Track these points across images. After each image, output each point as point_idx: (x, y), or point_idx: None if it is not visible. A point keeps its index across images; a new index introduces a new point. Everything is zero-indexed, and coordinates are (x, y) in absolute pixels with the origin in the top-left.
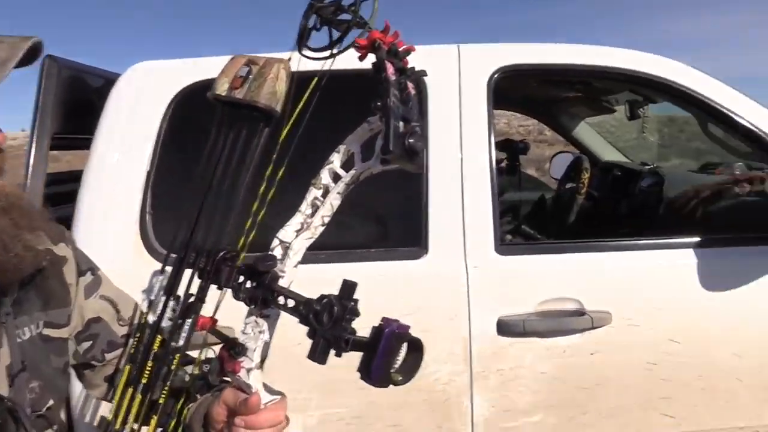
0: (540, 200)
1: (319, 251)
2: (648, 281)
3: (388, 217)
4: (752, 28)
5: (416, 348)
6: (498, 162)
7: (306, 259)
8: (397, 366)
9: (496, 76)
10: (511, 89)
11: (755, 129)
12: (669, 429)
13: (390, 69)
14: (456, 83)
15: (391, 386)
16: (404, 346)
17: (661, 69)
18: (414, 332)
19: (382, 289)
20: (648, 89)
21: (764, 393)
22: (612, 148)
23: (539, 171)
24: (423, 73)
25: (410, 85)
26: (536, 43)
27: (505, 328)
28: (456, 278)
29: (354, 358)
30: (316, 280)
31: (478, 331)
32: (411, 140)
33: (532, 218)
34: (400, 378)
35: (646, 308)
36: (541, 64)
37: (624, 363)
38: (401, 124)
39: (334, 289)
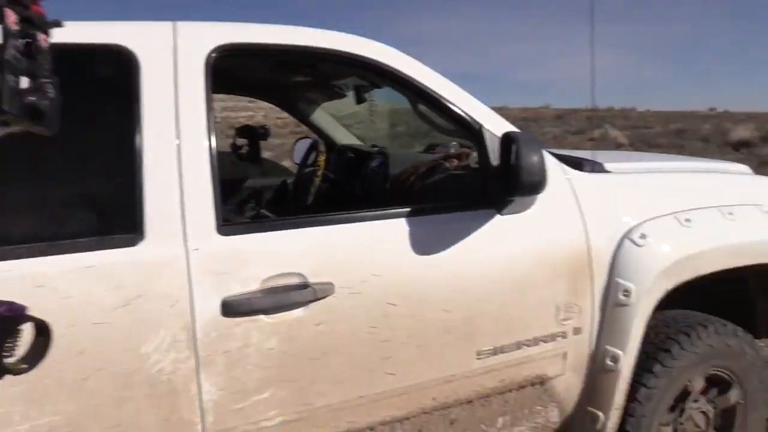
0: (282, 185)
1: (22, 245)
2: (366, 250)
3: (101, 205)
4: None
5: (42, 331)
6: (238, 148)
7: (5, 255)
8: (15, 353)
9: (214, 55)
10: (236, 71)
11: (460, 112)
12: (391, 386)
13: (11, 18)
14: (171, 62)
15: (92, 382)
16: (25, 330)
17: (376, 53)
18: (134, 322)
19: (97, 280)
20: (368, 73)
21: (468, 343)
22: (346, 131)
23: None
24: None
25: (42, 36)
26: (260, 24)
27: (230, 308)
28: (176, 262)
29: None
30: (21, 277)
31: (202, 314)
32: (33, 98)
33: (275, 203)
34: (24, 366)
35: (365, 276)
36: (260, 44)
37: (348, 330)
38: (24, 79)
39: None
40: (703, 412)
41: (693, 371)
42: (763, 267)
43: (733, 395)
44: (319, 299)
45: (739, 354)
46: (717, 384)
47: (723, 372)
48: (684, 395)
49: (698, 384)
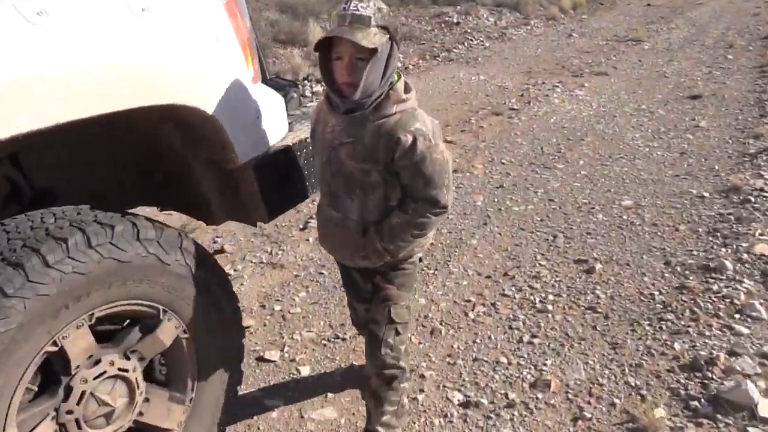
0: None
1: None
2: None
3: None
4: None
5: None
6: None
7: None
8: None
9: None
10: None
11: None
12: None
13: None
14: None
15: None
16: None
17: None
18: None
19: None
20: None
21: None
22: None
23: None
24: None
25: None
26: None
27: None
28: None
29: None
30: None
31: None
32: None
33: None
34: None
35: None
36: None
37: None
38: None
39: None
40: (118, 376)
41: (58, 323)
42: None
43: (167, 332)
44: None
45: (154, 268)
46: (136, 323)
47: (136, 305)
48: (62, 364)
49: (82, 340)
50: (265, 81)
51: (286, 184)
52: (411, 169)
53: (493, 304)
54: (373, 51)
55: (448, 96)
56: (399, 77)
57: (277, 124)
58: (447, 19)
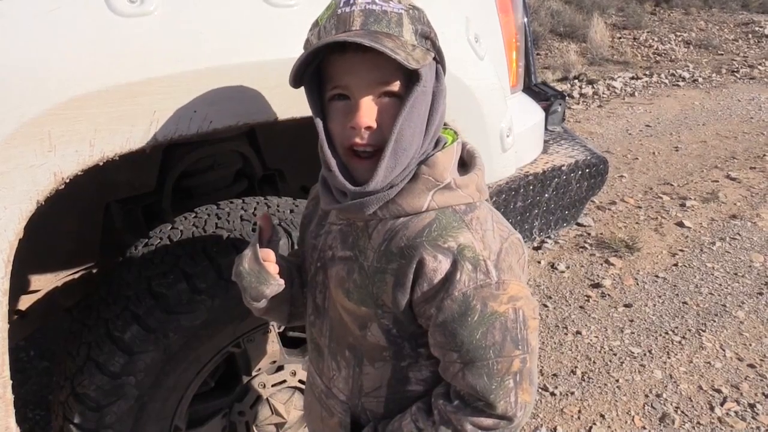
0: None
1: None
2: None
3: None
4: None
5: None
6: None
7: None
8: None
9: None
10: None
11: None
12: None
13: None
14: None
15: None
16: None
17: None
18: None
19: None
20: None
21: None
22: None
23: None
24: None
25: None
26: None
27: None
28: None
29: None
30: None
31: None
32: None
33: None
34: None
35: None
36: None
37: None
38: None
39: None
40: (298, 388)
41: (245, 326)
42: None
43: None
44: None
45: None
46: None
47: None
48: (245, 365)
49: (268, 346)
50: (528, 88)
51: (521, 218)
52: (442, 329)
53: (751, 406)
54: (413, 78)
55: (740, 121)
56: (453, 136)
57: (530, 144)
58: (756, 29)
